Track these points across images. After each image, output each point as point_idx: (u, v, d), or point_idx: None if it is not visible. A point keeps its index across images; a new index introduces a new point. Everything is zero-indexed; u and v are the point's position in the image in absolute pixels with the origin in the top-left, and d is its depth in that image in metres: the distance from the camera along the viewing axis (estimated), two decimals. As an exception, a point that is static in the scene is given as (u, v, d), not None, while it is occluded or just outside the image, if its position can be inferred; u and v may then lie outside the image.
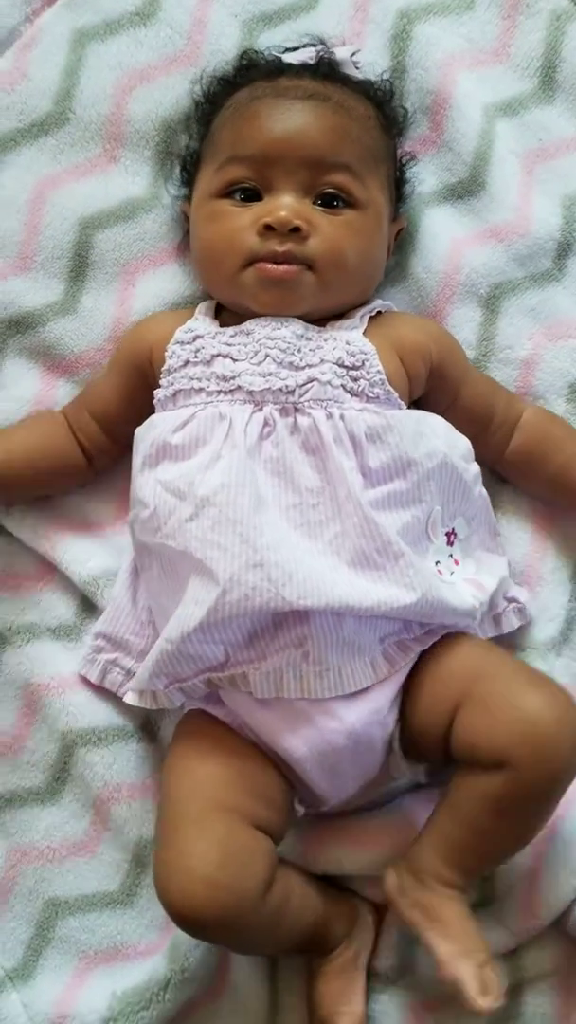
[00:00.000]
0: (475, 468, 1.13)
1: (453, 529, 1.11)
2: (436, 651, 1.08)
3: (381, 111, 1.17)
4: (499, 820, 1.01)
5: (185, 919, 0.99)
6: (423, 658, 1.08)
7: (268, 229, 1.07)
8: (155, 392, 1.11)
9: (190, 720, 1.11)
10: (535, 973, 1.15)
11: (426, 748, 1.07)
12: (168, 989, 1.12)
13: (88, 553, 1.20)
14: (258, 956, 1.15)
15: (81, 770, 1.18)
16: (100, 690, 1.17)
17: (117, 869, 1.18)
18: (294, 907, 1.05)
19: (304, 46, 1.19)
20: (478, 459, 1.14)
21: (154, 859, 1.02)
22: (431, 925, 1.01)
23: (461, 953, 0.99)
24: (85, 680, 1.18)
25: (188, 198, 1.20)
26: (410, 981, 1.15)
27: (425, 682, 1.07)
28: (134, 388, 1.15)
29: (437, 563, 1.09)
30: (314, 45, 1.19)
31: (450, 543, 1.11)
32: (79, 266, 1.23)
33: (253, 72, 1.17)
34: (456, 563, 1.10)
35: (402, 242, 1.22)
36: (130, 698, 1.12)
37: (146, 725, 1.19)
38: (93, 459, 1.19)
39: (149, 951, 1.17)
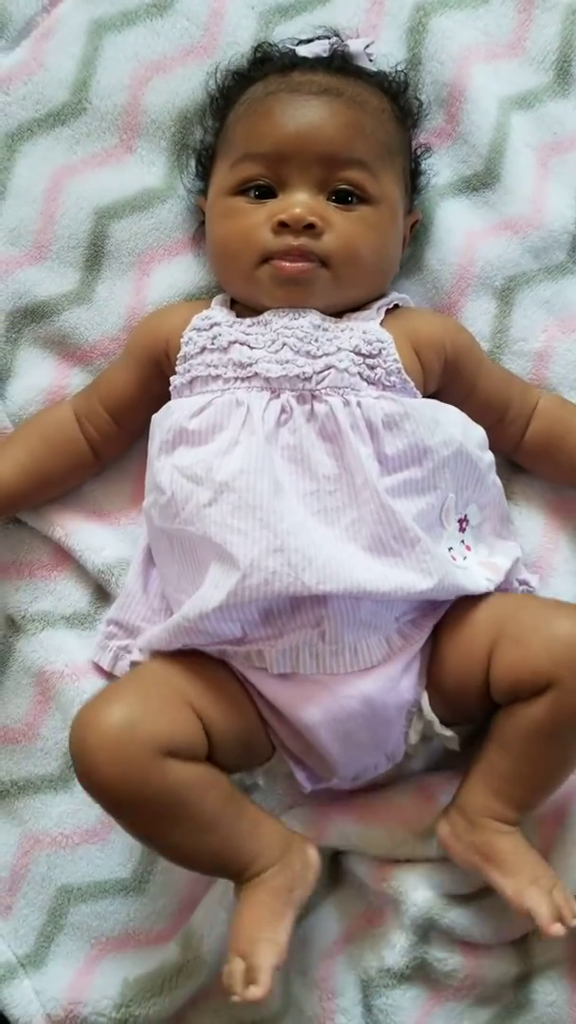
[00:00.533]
0: (489, 457, 1.14)
1: (466, 516, 1.12)
2: (455, 612, 1.09)
3: (395, 103, 1.18)
4: (548, 745, 1.03)
5: (82, 756, 0.98)
6: (444, 622, 1.09)
7: (283, 226, 1.07)
8: (171, 379, 1.12)
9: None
10: (544, 961, 1.15)
11: (464, 704, 1.08)
12: (180, 976, 1.13)
13: (103, 542, 1.20)
14: (171, 853, 1.05)
15: (94, 757, 1.18)
16: (113, 677, 1.17)
17: (129, 856, 1.18)
18: (208, 802, 1.00)
19: (318, 38, 1.19)
20: (496, 450, 1.15)
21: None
22: (490, 864, 1.04)
23: (527, 883, 1.01)
24: (99, 667, 1.18)
25: (203, 192, 1.21)
26: (420, 977, 1.15)
27: (452, 639, 1.08)
28: (149, 378, 1.15)
29: (450, 549, 1.09)
30: (328, 37, 1.19)
31: (462, 529, 1.11)
32: (94, 256, 1.23)
33: (267, 66, 1.18)
34: (468, 549, 1.11)
35: (417, 234, 1.23)
36: (136, 655, 1.13)
37: (159, 713, 1.19)
38: (100, 451, 1.19)
39: (161, 938, 1.17)
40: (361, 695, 1.04)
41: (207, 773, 1.02)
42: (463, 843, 1.06)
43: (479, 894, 1.14)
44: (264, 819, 1.06)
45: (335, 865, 1.18)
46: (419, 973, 1.15)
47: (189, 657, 1.07)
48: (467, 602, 1.09)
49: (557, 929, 0.98)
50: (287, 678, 1.05)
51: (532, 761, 1.04)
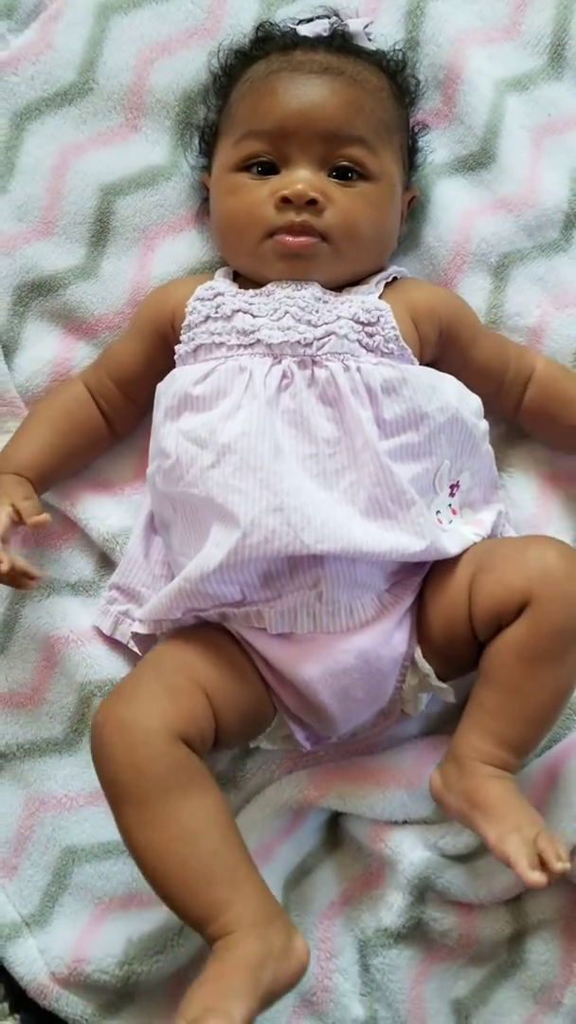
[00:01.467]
0: (484, 425, 1.16)
1: (458, 482, 1.14)
2: (439, 564, 1.11)
3: (394, 81, 1.20)
4: (531, 668, 1.02)
5: (98, 729, 1.00)
6: (428, 576, 1.11)
7: (285, 202, 1.09)
8: (176, 347, 1.14)
9: (198, 624, 1.12)
10: (538, 920, 1.17)
11: (455, 653, 1.09)
12: (182, 936, 1.14)
13: (108, 511, 1.22)
14: (145, 856, 0.99)
15: (99, 720, 1.19)
16: (117, 642, 1.19)
17: (133, 818, 1.20)
18: (202, 806, 0.97)
19: (318, 18, 1.22)
20: (496, 414, 1.17)
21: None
22: (476, 811, 0.99)
23: (509, 831, 0.95)
24: (102, 633, 1.20)
25: (206, 168, 1.23)
26: (416, 937, 1.17)
27: (436, 589, 1.10)
28: (155, 351, 1.17)
29: (438, 513, 1.12)
30: (328, 17, 1.21)
31: (452, 494, 1.14)
32: (100, 231, 1.25)
33: (268, 45, 1.20)
34: (454, 512, 1.13)
35: (415, 212, 1.25)
36: (137, 627, 1.15)
37: (162, 677, 1.21)
38: (114, 425, 1.21)
39: (163, 898, 1.19)
40: (356, 650, 1.06)
41: (207, 777, 1.00)
42: (453, 792, 1.02)
43: (475, 854, 1.16)
44: (253, 872, 0.97)
45: (334, 827, 1.19)
46: (415, 933, 1.17)
47: (198, 635, 1.09)
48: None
49: (537, 877, 0.90)
50: (285, 637, 1.07)
51: (517, 690, 1.02)
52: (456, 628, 1.08)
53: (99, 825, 1.19)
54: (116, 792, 0.99)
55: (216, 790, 1.00)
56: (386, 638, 1.08)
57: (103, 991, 1.14)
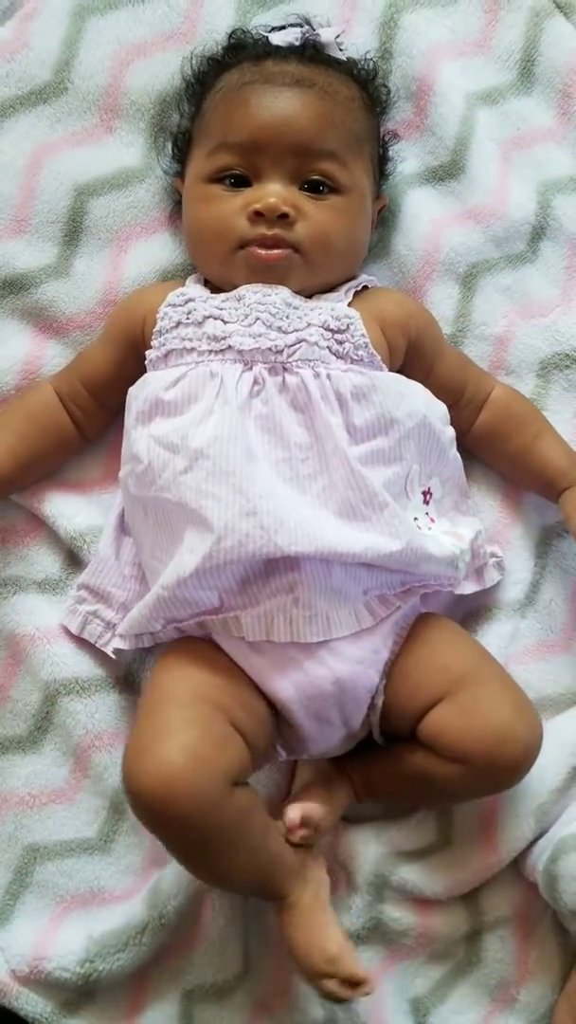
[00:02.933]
0: (451, 431, 1.16)
1: (429, 489, 1.14)
2: (426, 636, 1.12)
3: (365, 91, 1.20)
4: (433, 795, 1.12)
5: (155, 789, 0.95)
6: (414, 641, 1.12)
7: (258, 215, 1.09)
8: (147, 353, 1.13)
9: (181, 640, 1.11)
10: (494, 918, 1.18)
11: (396, 724, 1.11)
12: (145, 933, 1.13)
13: (75, 509, 1.21)
14: (216, 878, 1.07)
15: (63, 719, 1.18)
16: (84, 641, 1.18)
17: (95, 816, 1.19)
18: (258, 823, 1.03)
19: (290, 26, 1.21)
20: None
21: (129, 739, 1.02)
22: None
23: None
24: (69, 632, 1.19)
25: (179, 174, 1.22)
26: (375, 937, 1.17)
27: (413, 668, 1.10)
28: (127, 358, 1.16)
29: (415, 519, 1.12)
30: (299, 26, 1.21)
31: (426, 502, 1.14)
32: (73, 231, 1.24)
33: (241, 53, 1.19)
34: (432, 521, 1.14)
35: (385, 220, 1.26)
36: (118, 643, 1.14)
37: (128, 675, 1.20)
38: (84, 429, 1.20)
39: (125, 896, 1.18)
40: (333, 676, 1.06)
41: (254, 796, 1.05)
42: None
43: (428, 849, 1.17)
44: (283, 845, 1.07)
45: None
46: (374, 934, 1.17)
47: (199, 654, 1.07)
48: (439, 630, 1.13)
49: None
50: (262, 652, 1.07)
51: (407, 794, 1.14)
52: (405, 714, 1.10)
53: (61, 823, 1.19)
54: (182, 846, 1.01)
55: (256, 797, 1.05)
56: (363, 668, 1.08)
57: (64, 989, 1.13)
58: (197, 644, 1.09)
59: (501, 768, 1.06)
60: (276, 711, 1.09)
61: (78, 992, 1.14)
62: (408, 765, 1.10)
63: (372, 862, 1.15)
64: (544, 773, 1.15)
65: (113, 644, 1.15)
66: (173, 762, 0.95)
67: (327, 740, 1.11)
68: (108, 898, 1.18)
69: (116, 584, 1.16)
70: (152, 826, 0.99)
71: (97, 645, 1.17)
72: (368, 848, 1.16)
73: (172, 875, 1.14)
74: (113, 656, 1.16)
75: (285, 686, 1.06)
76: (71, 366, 1.21)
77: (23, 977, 1.13)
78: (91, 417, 1.19)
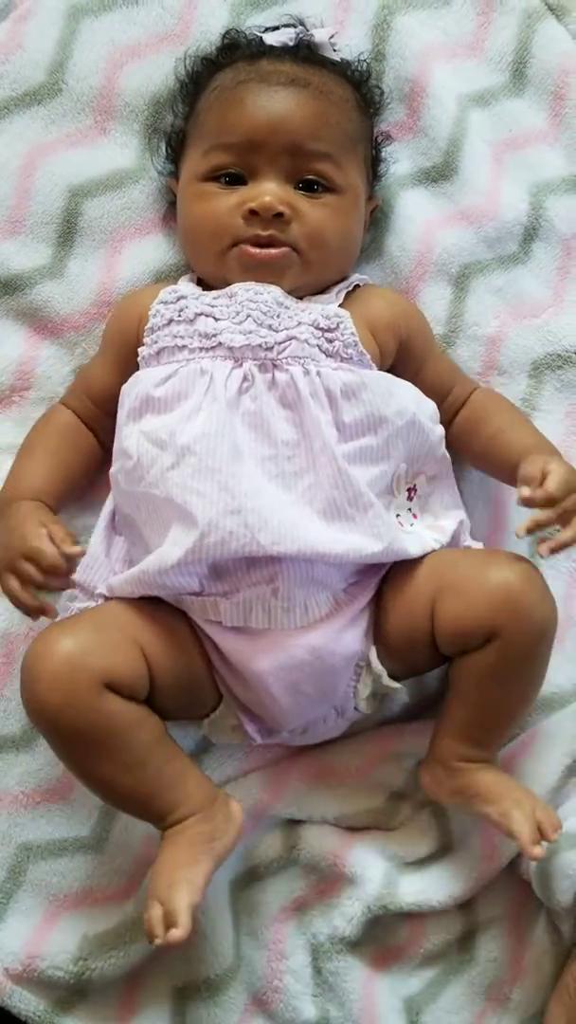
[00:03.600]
0: (440, 430, 1.16)
1: (415, 486, 1.14)
2: (397, 569, 1.11)
3: (358, 92, 1.20)
4: (501, 688, 1.07)
5: (27, 684, 1.01)
6: (387, 579, 1.11)
7: (252, 214, 1.09)
8: (139, 350, 1.12)
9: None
10: (487, 918, 1.18)
11: (411, 657, 1.10)
12: (136, 932, 1.12)
13: (70, 509, 1.20)
14: (98, 787, 1.06)
15: (56, 717, 1.18)
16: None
17: (89, 815, 1.18)
18: (142, 740, 1.02)
19: (283, 26, 1.21)
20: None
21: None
22: (474, 800, 1.07)
23: (510, 806, 1.04)
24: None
25: (173, 174, 1.22)
26: (369, 939, 1.16)
27: (396, 594, 1.10)
28: (129, 367, 1.14)
29: (398, 516, 1.12)
30: (293, 26, 1.21)
31: (410, 499, 1.14)
32: (67, 232, 1.24)
33: (234, 52, 1.19)
34: (415, 517, 1.13)
35: (378, 221, 1.25)
36: (98, 600, 1.12)
37: (121, 675, 1.20)
38: (104, 442, 1.19)
39: (118, 895, 1.17)
40: (309, 645, 1.06)
41: (141, 712, 1.04)
42: (445, 788, 1.10)
43: (430, 858, 1.16)
44: (191, 769, 1.07)
45: (290, 835, 1.18)
46: (368, 936, 1.16)
47: (147, 601, 1.08)
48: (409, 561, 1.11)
49: (538, 852, 1.02)
50: (239, 630, 1.07)
51: (490, 707, 1.08)
52: (415, 638, 1.09)
53: (55, 822, 1.18)
54: (54, 733, 1.03)
55: (145, 712, 1.04)
56: (339, 635, 1.08)
57: (57, 988, 1.13)
58: (159, 603, 1.09)
59: (531, 612, 1.05)
60: (243, 690, 1.08)
61: (71, 990, 1.13)
62: (462, 689, 1.08)
63: (378, 880, 1.15)
64: (539, 774, 1.15)
65: (87, 603, 1.13)
66: (49, 652, 1.01)
67: (304, 712, 1.10)
68: (101, 897, 1.18)
69: (106, 581, 1.15)
70: (28, 715, 1.03)
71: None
72: (375, 865, 1.15)
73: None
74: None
75: (260, 659, 1.06)
76: (78, 385, 1.20)
77: (16, 975, 1.13)
78: (106, 429, 1.17)
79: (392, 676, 1.11)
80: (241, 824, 1.07)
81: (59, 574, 1.02)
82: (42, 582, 1.02)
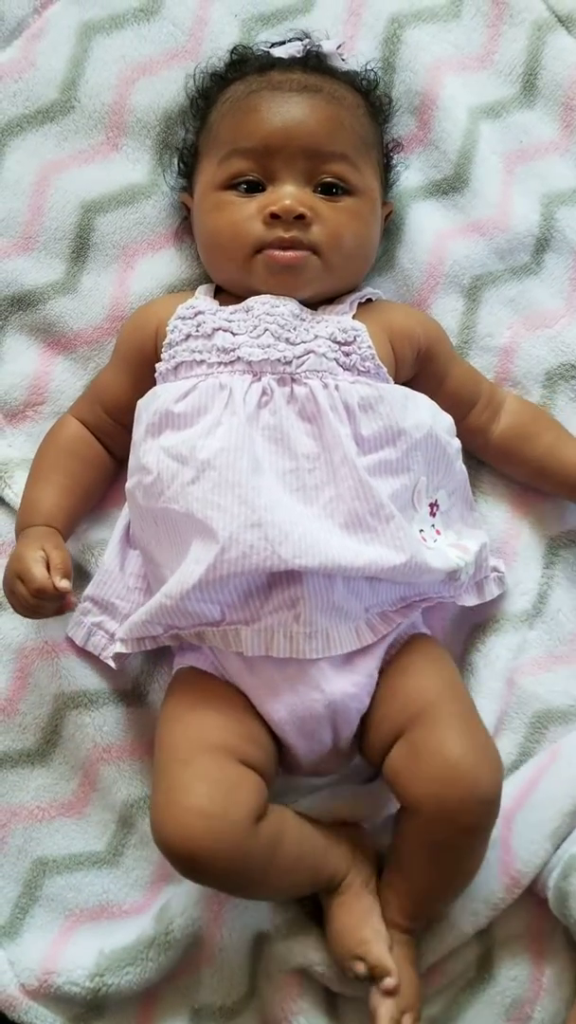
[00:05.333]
0: (457, 443, 1.14)
1: (436, 501, 1.12)
2: (405, 663, 1.08)
3: (367, 99, 1.19)
4: (432, 865, 1.03)
5: (180, 854, 0.97)
6: (394, 666, 1.08)
7: (274, 218, 1.07)
8: (157, 365, 1.11)
9: (181, 677, 1.10)
10: (505, 936, 1.13)
11: (368, 752, 1.09)
12: (152, 949, 1.10)
13: (84, 523, 1.19)
14: (265, 899, 1.10)
15: (72, 732, 1.16)
16: (92, 654, 1.16)
17: (104, 829, 1.16)
18: (291, 840, 1.04)
19: (290, 40, 1.20)
20: (464, 445, 1.15)
21: (150, 805, 1.03)
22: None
23: (383, 996, 1.03)
24: (77, 644, 1.16)
25: (185, 189, 1.21)
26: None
27: (386, 696, 1.07)
28: (145, 379, 1.13)
29: (421, 531, 1.09)
30: (300, 39, 1.20)
31: (432, 514, 1.11)
32: (80, 247, 1.23)
33: (243, 67, 1.18)
34: (438, 533, 1.11)
35: (390, 233, 1.24)
36: (119, 647, 1.11)
37: (136, 688, 1.18)
38: (115, 453, 1.17)
39: (134, 910, 1.15)
40: (326, 699, 1.04)
41: (283, 814, 1.05)
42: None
43: None
44: (332, 830, 1.09)
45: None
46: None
47: (199, 693, 1.07)
48: (417, 653, 1.09)
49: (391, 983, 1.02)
50: (257, 672, 1.05)
51: (423, 882, 1.05)
52: (374, 744, 1.07)
53: (70, 837, 1.16)
54: (226, 888, 1.04)
55: (284, 816, 1.05)
56: (356, 691, 1.06)
57: (73, 1003, 1.11)
58: (193, 680, 1.08)
59: (451, 814, 0.99)
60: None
61: (87, 1007, 1.11)
62: (399, 859, 1.06)
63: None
64: (556, 798, 1.11)
65: (114, 649, 1.12)
66: (191, 825, 0.97)
67: (318, 760, 1.09)
68: (117, 912, 1.15)
69: (120, 596, 1.14)
70: (192, 879, 1.02)
71: (101, 657, 1.14)
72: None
73: (182, 894, 1.11)
74: (114, 665, 1.13)
75: (278, 708, 1.05)
76: (90, 395, 1.18)
77: (33, 991, 1.11)
78: (119, 441, 1.16)
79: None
80: (373, 847, 1.10)
81: (48, 598, 1.02)
82: (33, 604, 1.04)
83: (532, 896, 1.13)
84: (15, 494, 1.19)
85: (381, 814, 1.13)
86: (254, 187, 1.11)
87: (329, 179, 1.10)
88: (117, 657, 1.13)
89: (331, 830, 1.09)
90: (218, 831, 0.96)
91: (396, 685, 1.07)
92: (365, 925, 1.05)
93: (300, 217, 1.07)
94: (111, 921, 1.15)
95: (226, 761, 1.01)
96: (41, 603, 1.04)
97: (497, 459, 1.21)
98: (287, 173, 1.09)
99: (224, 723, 1.04)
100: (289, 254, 1.08)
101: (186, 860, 0.98)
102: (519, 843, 1.11)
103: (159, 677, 1.17)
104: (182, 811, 0.97)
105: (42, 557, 1.04)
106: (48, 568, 1.04)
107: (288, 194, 1.08)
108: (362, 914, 1.06)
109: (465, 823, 1.00)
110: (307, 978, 1.12)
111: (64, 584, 1.02)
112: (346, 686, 1.05)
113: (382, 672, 1.08)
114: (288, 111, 1.10)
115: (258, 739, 1.05)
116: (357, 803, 1.13)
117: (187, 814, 0.97)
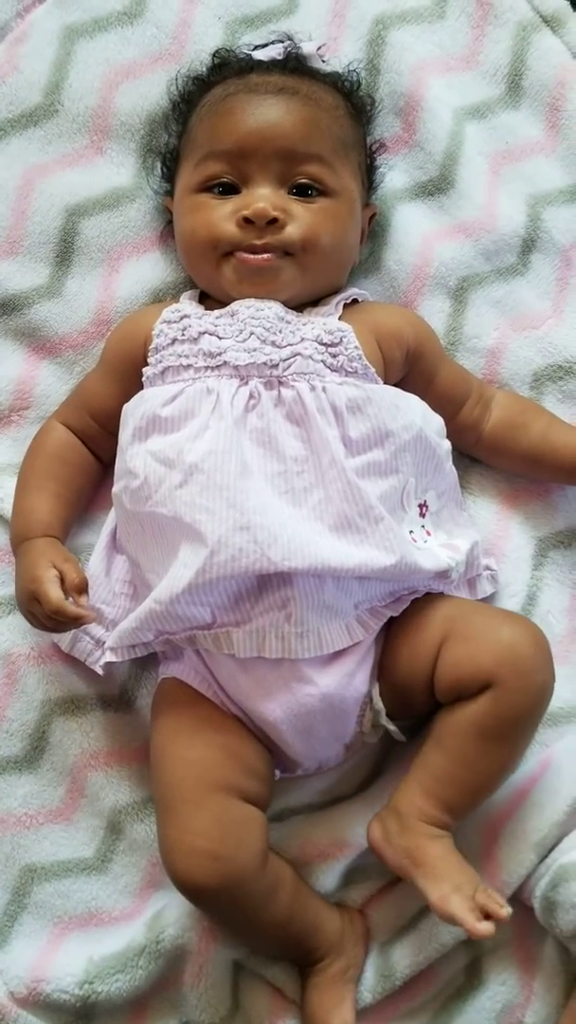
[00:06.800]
0: (447, 444, 1.12)
1: (425, 502, 1.10)
2: (411, 610, 1.08)
3: (349, 101, 1.17)
4: (484, 745, 1.01)
5: (192, 890, 1.00)
6: (399, 618, 1.08)
7: (247, 222, 1.06)
8: (143, 370, 1.09)
9: (167, 693, 1.09)
10: (493, 943, 1.12)
11: (411, 700, 1.07)
12: (142, 957, 1.09)
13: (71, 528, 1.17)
14: (252, 943, 1.10)
15: (59, 738, 1.15)
16: (79, 660, 1.13)
17: (92, 836, 1.15)
18: (286, 893, 1.05)
19: (272, 43, 1.19)
20: (455, 442, 1.14)
21: (159, 838, 1.04)
22: (417, 869, 1.01)
23: (450, 890, 0.98)
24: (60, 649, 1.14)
25: (169, 193, 1.19)
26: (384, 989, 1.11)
27: (405, 636, 1.07)
28: (132, 386, 1.11)
29: (411, 532, 1.08)
30: (281, 42, 1.18)
31: (422, 515, 1.10)
32: (65, 251, 1.21)
33: (225, 70, 1.17)
34: (428, 534, 1.09)
35: (376, 235, 1.22)
36: (109, 656, 1.09)
37: (123, 694, 1.16)
38: (101, 457, 1.16)
39: (123, 917, 1.13)
40: (320, 693, 1.03)
41: (281, 865, 1.06)
42: (393, 846, 1.03)
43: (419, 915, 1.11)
44: (325, 904, 1.09)
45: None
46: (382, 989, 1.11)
47: (192, 718, 1.06)
48: (423, 600, 1.08)
49: (485, 928, 0.95)
50: (249, 672, 1.03)
51: (467, 762, 1.02)
52: (417, 679, 1.06)
53: (58, 843, 1.14)
54: (223, 919, 1.06)
55: (287, 868, 1.07)
56: (349, 679, 1.05)
57: (62, 1011, 1.09)
58: (182, 701, 1.07)
59: (532, 673, 1.01)
60: (266, 734, 1.05)
61: (76, 1014, 1.09)
62: (443, 737, 1.03)
63: (384, 933, 1.12)
64: (544, 808, 1.09)
65: (104, 658, 1.10)
66: (203, 866, 0.99)
67: (318, 755, 1.08)
68: (106, 919, 1.14)
69: (106, 601, 1.12)
70: (196, 906, 1.05)
71: (87, 663, 1.12)
72: (386, 918, 1.12)
73: (177, 904, 1.10)
74: (101, 672, 1.12)
75: (272, 708, 1.03)
76: (76, 401, 1.16)
77: (22, 999, 1.09)
78: (104, 445, 1.15)
79: (391, 715, 1.08)
80: (367, 935, 1.10)
81: (67, 618, 1.01)
82: (51, 627, 1.03)
83: (519, 903, 1.11)
84: (0, 499, 1.18)
85: (357, 838, 1.11)
86: (229, 189, 1.09)
87: (304, 180, 1.09)
88: (106, 664, 1.11)
89: (328, 907, 1.09)
90: (227, 873, 0.99)
91: (409, 623, 1.07)
92: (335, 1016, 1.05)
93: (273, 221, 1.06)
94: (100, 928, 1.13)
95: (232, 801, 1.02)
96: (60, 623, 1.02)
97: (490, 453, 1.19)
98: (261, 175, 1.08)
99: (223, 759, 1.03)
100: (259, 257, 1.06)
101: (195, 894, 1.01)
102: (504, 853, 1.09)
103: (146, 682, 1.15)
104: (195, 854, 0.99)
105: (55, 576, 1.02)
106: (64, 584, 1.02)
107: (261, 197, 1.07)
108: (334, 1003, 1.06)
109: (540, 681, 1.01)
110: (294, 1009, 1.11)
111: (83, 602, 1.02)
112: (340, 676, 1.04)
113: (390, 635, 1.08)
114: (263, 113, 1.09)
115: (255, 768, 1.05)
116: (332, 828, 1.12)
117: (200, 856, 0.99)
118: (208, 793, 1.01)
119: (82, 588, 1.02)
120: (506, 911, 0.96)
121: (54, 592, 1.01)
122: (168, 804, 1.02)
